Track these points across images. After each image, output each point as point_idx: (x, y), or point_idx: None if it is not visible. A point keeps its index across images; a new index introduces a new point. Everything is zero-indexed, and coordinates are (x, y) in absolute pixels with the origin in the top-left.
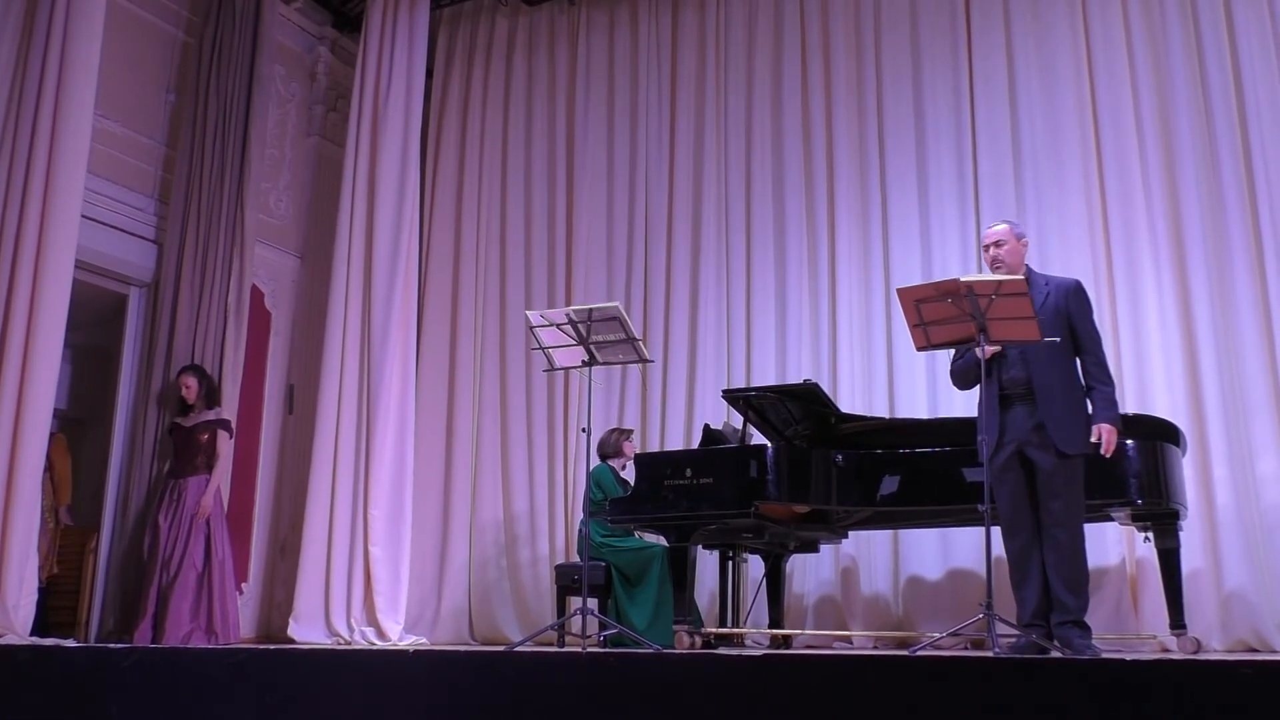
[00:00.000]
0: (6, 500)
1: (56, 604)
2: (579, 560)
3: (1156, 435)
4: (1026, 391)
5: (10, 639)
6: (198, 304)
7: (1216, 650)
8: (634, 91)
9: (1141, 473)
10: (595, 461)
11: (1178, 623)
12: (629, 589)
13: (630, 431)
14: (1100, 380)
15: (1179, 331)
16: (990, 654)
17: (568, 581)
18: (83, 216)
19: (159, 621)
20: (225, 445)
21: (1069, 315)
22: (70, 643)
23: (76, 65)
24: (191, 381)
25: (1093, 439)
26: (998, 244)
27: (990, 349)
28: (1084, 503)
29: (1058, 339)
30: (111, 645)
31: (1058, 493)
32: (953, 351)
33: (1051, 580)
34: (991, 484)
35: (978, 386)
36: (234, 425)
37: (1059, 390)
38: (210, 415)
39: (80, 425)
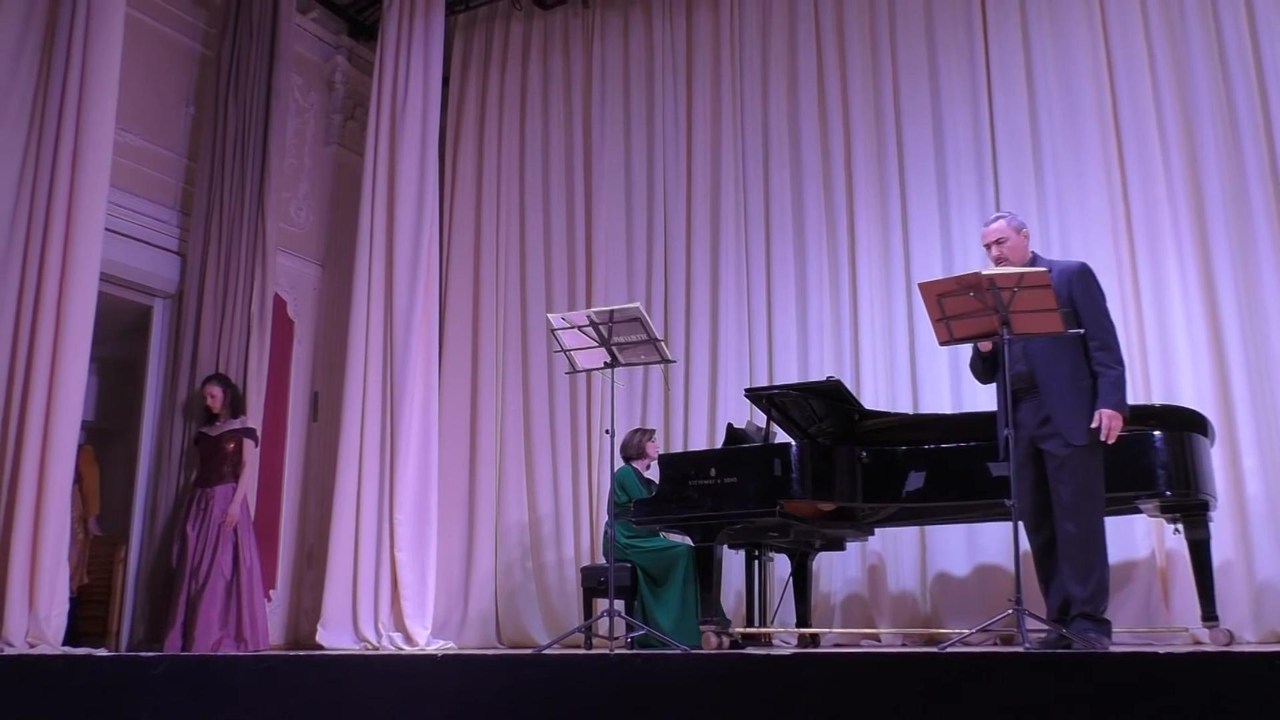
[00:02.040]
0: (37, 512)
1: (87, 614)
2: (604, 562)
3: (1184, 426)
4: (1031, 386)
5: (43, 649)
6: (221, 314)
7: (1250, 642)
8: (650, 92)
9: (1169, 464)
10: (619, 463)
11: (1209, 615)
12: (655, 590)
13: (652, 432)
14: (1106, 364)
15: (1204, 321)
16: (1020, 649)
17: (594, 583)
18: (106, 229)
19: (188, 629)
20: (251, 454)
21: (1073, 301)
22: (102, 652)
23: (97, 80)
24: (216, 391)
25: (1092, 424)
26: (999, 242)
27: (984, 344)
28: (1100, 493)
29: (1081, 331)
30: (142, 654)
31: (1066, 481)
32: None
33: (1062, 571)
34: (1012, 477)
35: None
36: (259, 434)
37: (1062, 382)
38: (235, 424)
39: (107, 436)
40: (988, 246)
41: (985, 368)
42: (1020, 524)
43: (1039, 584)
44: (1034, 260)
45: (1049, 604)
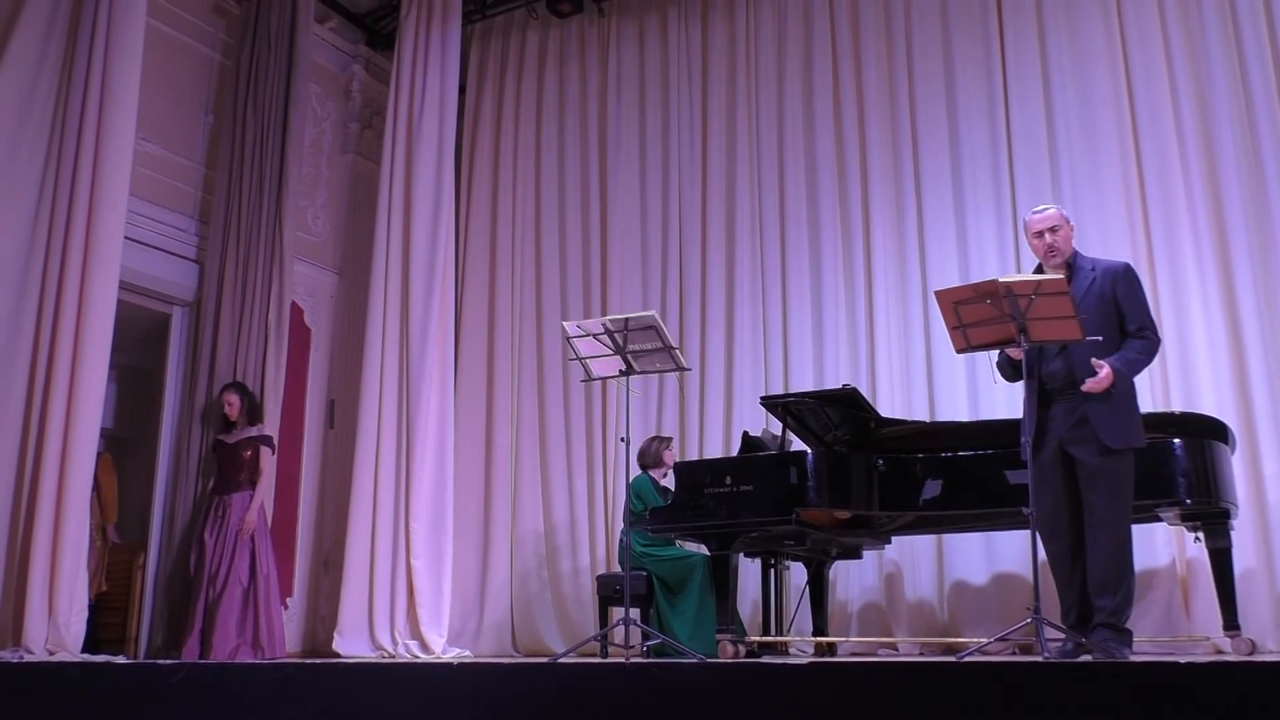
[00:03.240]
0: (56, 519)
1: (106, 621)
2: (620, 570)
3: (1204, 433)
4: (1067, 384)
5: (62, 656)
6: (239, 322)
7: (1272, 651)
8: (665, 101)
9: (1190, 472)
10: (635, 471)
11: (1231, 624)
12: (671, 598)
13: (670, 439)
14: (1141, 338)
15: (1224, 327)
16: (1039, 659)
17: (609, 592)
18: (125, 238)
19: (206, 637)
20: (268, 461)
21: (1116, 300)
22: (120, 659)
23: (117, 89)
24: (234, 399)
25: (1098, 367)
26: (1054, 230)
27: (1015, 352)
28: (1131, 502)
29: (1100, 338)
30: (160, 661)
31: (1099, 490)
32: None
33: (1089, 579)
34: (1035, 485)
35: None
36: (276, 441)
37: None
38: (253, 432)
39: (126, 444)
40: (1039, 234)
41: (1015, 370)
42: (1038, 531)
43: (1058, 589)
44: (1075, 256)
45: (1064, 609)
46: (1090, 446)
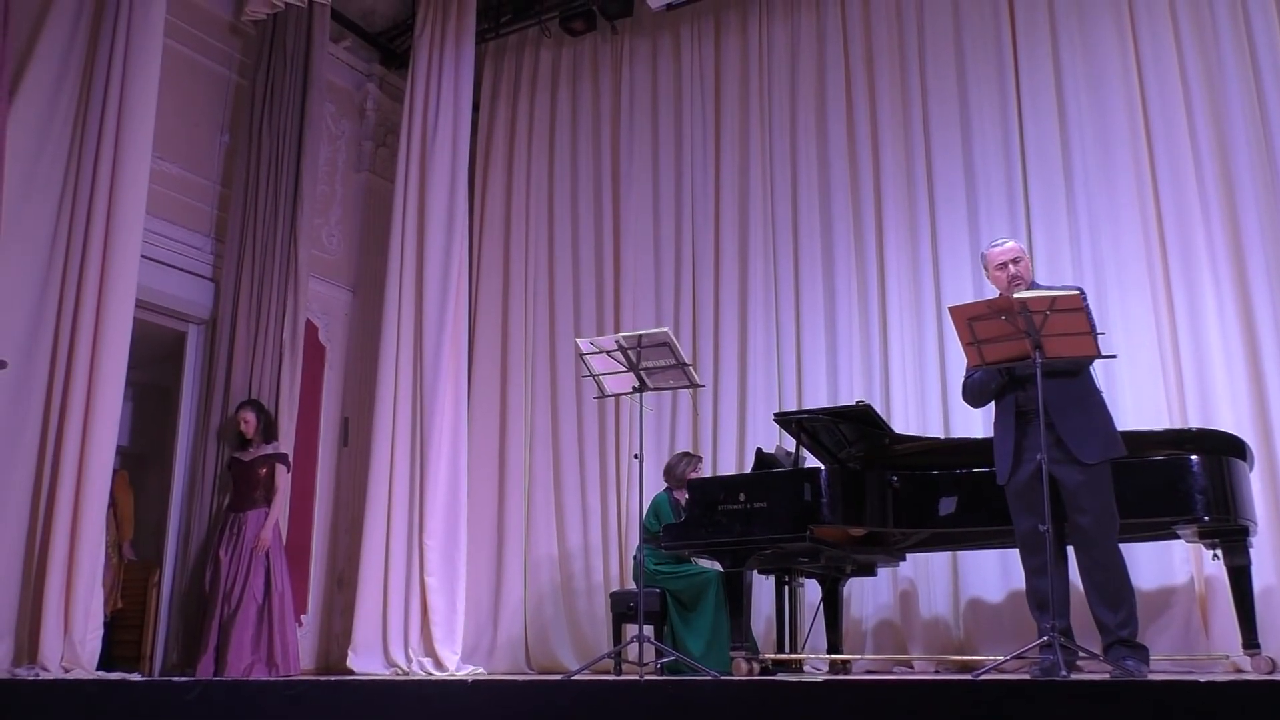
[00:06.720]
0: (72, 537)
1: (121, 638)
2: (634, 587)
3: (1222, 450)
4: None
5: (78, 673)
6: (254, 339)
7: None
8: (678, 118)
9: (1208, 489)
10: (649, 487)
11: (1251, 642)
12: (685, 616)
13: (699, 459)
14: None
15: (1241, 344)
16: (1058, 677)
17: (623, 609)
18: (142, 256)
19: (221, 654)
20: (283, 479)
21: None
22: (135, 676)
23: (134, 109)
24: (250, 416)
25: None
26: (1016, 261)
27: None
28: (1117, 514)
29: (1115, 355)
30: (175, 679)
31: (1085, 508)
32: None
33: (1090, 600)
34: (1013, 501)
35: (991, 404)
36: (291, 459)
37: (1071, 401)
38: (268, 449)
39: (142, 461)
40: (1003, 266)
41: (981, 396)
42: (1020, 548)
43: (1034, 606)
44: (1034, 285)
45: (1048, 625)
46: (1069, 466)
